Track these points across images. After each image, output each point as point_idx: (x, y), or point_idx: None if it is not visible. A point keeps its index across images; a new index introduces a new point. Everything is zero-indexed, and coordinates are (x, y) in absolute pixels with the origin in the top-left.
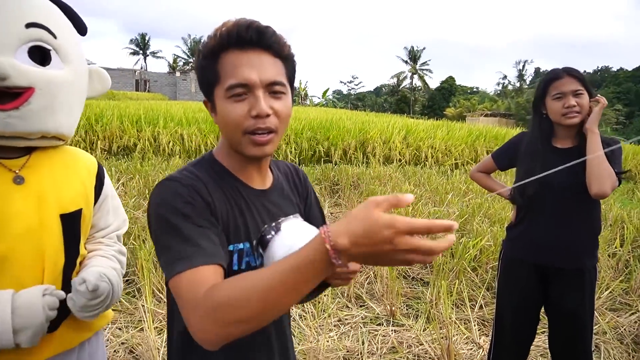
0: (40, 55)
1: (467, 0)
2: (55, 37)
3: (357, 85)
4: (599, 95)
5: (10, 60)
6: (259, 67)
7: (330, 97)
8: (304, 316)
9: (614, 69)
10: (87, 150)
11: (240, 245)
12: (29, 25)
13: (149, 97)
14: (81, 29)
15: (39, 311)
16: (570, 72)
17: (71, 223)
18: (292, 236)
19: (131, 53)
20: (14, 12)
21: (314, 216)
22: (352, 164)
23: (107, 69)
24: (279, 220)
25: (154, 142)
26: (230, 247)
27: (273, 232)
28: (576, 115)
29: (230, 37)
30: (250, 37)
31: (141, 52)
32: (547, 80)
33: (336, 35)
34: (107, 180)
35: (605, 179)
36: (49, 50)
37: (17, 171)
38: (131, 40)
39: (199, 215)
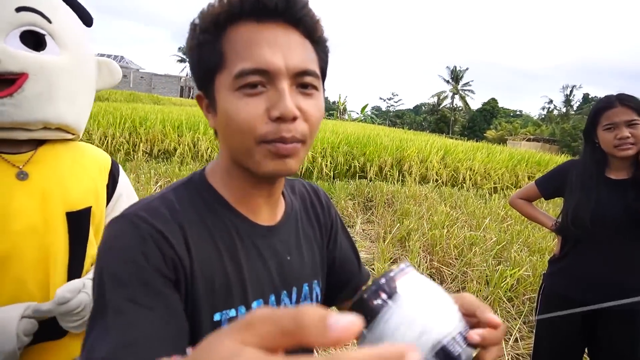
0: (34, 41)
1: (513, 22)
2: (50, 21)
3: (396, 102)
4: None
5: (0, 45)
6: (285, 48)
7: (369, 113)
8: None
9: None
10: (129, 152)
11: (232, 312)
12: (19, 9)
13: (192, 103)
14: (86, 20)
15: (12, 338)
16: (623, 101)
17: (78, 221)
18: (415, 303)
19: (178, 60)
20: None
21: (344, 254)
22: (387, 181)
23: (155, 75)
24: (391, 274)
25: (193, 148)
26: (217, 316)
27: (385, 297)
28: (630, 147)
29: (245, 2)
30: (274, 4)
31: (188, 60)
32: (598, 109)
33: (377, 52)
34: (122, 178)
35: None
36: (44, 35)
37: (21, 167)
38: (179, 48)
39: (145, 283)
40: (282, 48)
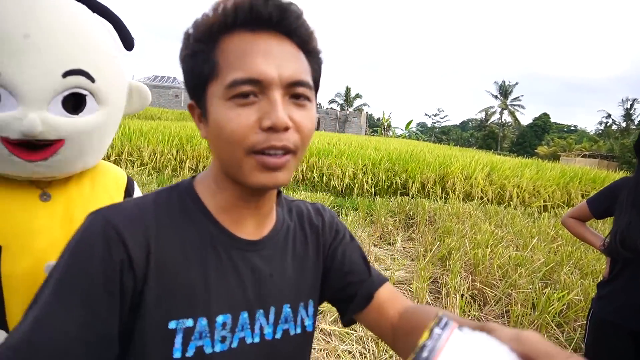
0: (74, 102)
1: (565, 31)
2: (93, 80)
3: (442, 118)
4: None
5: (43, 115)
6: (279, 58)
7: (414, 129)
8: (364, 354)
9: None
10: (176, 168)
11: (189, 322)
12: (66, 74)
13: None
14: (128, 44)
15: None
16: None
17: None
18: None
19: None
20: (53, 58)
21: (347, 265)
22: (429, 199)
23: None
24: (427, 349)
25: None
26: (172, 324)
27: None
28: None
29: (240, 12)
30: (269, 14)
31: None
32: None
33: (423, 68)
34: (137, 194)
35: None
36: (85, 95)
37: (44, 188)
38: None
39: (81, 289)
40: (276, 58)
